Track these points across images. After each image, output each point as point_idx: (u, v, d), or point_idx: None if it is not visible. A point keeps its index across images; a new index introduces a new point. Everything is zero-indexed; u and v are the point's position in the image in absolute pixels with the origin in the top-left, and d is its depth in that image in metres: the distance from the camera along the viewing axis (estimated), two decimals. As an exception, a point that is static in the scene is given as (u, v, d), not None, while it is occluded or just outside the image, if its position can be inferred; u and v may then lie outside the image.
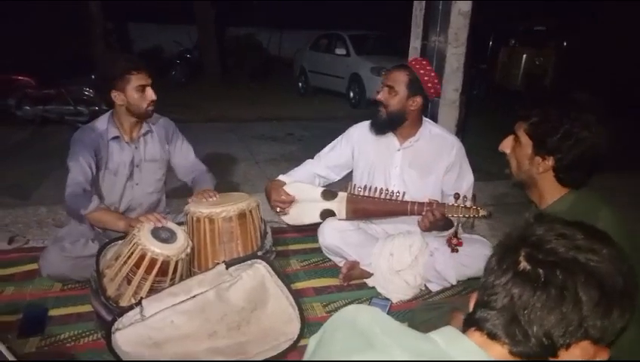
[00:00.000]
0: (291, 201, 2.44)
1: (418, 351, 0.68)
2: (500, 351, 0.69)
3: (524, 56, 10.53)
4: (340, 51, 9.72)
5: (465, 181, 2.45)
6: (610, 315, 0.66)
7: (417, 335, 0.71)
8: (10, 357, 1.17)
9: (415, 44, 3.77)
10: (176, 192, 2.88)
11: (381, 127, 2.40)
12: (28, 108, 6.26)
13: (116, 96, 2.25)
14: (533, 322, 0.67)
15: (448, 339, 0.70)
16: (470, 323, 0.73)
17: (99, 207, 2.18)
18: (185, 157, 2.56)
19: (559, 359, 0.68)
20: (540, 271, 0.67)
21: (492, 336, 0.70)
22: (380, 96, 2.35)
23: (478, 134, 5.28)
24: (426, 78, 2.32)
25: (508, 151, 1.43)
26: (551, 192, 1.37)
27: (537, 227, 0.73)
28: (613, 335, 0.69)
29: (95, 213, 2.17)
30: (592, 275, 0.66)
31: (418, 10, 3.73)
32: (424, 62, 2.40)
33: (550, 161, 1.32)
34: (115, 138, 2.33)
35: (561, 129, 1.27)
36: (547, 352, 0.68)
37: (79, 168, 2.21)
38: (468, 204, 2.09)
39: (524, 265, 0.69)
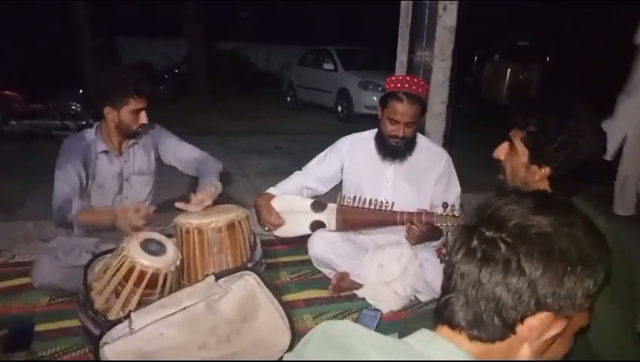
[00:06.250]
0: (280, 224, 2.44)
1: (393, 351, 0.67)
2: (462, 340, 0.69)
3: (509, 70, 10.71)
4: (328, 66, 9.81)
5: (452, 192, 2.47)
6: (562, 283, 0.64)
7: (393, 339, 0.71)
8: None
9: (402, 57, 3.84)
10: (165, 205, 2.87)
11: (402, 156, 2.40)
12: (14, 123, 6.21)
13: (109, 113, 2.24)
14: (482, 299, 0.66)
15: (422, 341, 0.69)
16: (437, 316, 0.73)
17: (82, 209, 2.12)
18: (178, 151, 2.52)
19: (519, 335, 0.67)
20: (484, 245, 0.66)
21: (452, 326, 0.69)
22: (400, 133, 2.31)
23: (466, 147, 5.35)
24: (425, 94, 2.36)
25: (502, 158, 1.42)
26: None
27: (495, 201, 0.72)
28: (578, 306, 0.66)
29: (80, 216, 2.09)
30: (536, 244, 0.64)
31: (404, 25, 3.80)
32: (420, 82, 2.37)
33: (547, 170, 1.32)
34: (104, 152, 2.32)
35: (559, 139, 1.27)
36: (504, 329, 0.67)
37: (67, 177, 2.17)
38: (456, 213, 2.11)
39: (474, 242, 0.68)
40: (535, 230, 0.65)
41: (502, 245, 0.65)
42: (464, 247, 0.69)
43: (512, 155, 1.38)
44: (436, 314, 0.73)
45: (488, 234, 0.67)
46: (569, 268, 0.64)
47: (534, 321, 0.66)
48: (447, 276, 0.72)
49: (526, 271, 0.64)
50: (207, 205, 2.19)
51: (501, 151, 1.42)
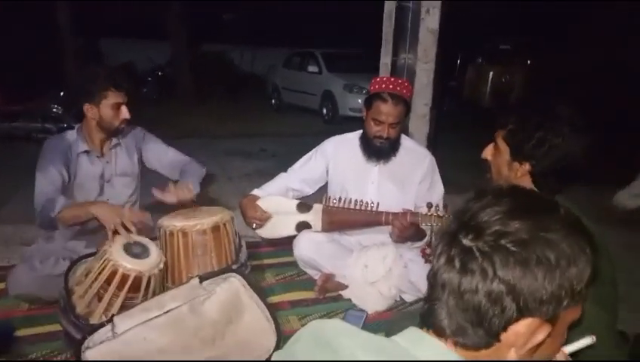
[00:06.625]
0: (267, 218, 2.44)
1: (381, 350, 0.67)
2: (448, 344, 0.68)
3: (491, 73, 10.84)
4: (313, 69, 9.83)
5: (435, 192, 2.49)
6: (543, 288, 0.63)
7: (381, 338, 0.71)
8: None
9: (385, 60, 3.85)
10: (149, 208, 2.84)
11: (387, 156, 2.43)
12: (-6, 125, 6.09)
13: (88, 110, 2.21)
14: (463, 309, 0.66)
15: (411, 339, 0.69)
16: (422, 322, 0.72)
17: (66, 205, 2.08)
18: (163, 156, 2.49)
19: (504, 342, 0.66)
20: (462, 255, 0.66)
21: (437, 333, 0.69)
22: (385, 134, 2.33)
23: (450, 149, 5.38)
24: (409, 95, 2.38)
25: (489, 157, 1.48)
26: None
27: (472, 205, 0.71)
28: (564, 306, 0.66)
29: (64, 212, 2.06)
30: (511, 253, 0.64)
31: (388, 28, 3.81)
32: (404, 83, 2.41)
33: (527, 166, 1.38)
34: (85, 152, 2.29)
35: (536, 136, 1.33)
36: (488, 338, 0.66)
37: (48, 178, 2.14)
38: (440, 212, 2.13)
39: (453, 251, 0.68)
40: (511, 237, 0.64)
41: (478, 254, 0.65)
42: (444, 255, 0.69)
43: (497, 155, 1.45)
44: (421, 319, 0.73)
45: (465, 242, 0.67)
46: (548, 273, 0.63)
47: (519, 327, 0.66)
48: (430, 284, 0.72)
49: (504, 280, 0.63)
50: (181, 199, 2.18)
51: (487, 152, 1.49)
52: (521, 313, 0.65)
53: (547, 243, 0.65)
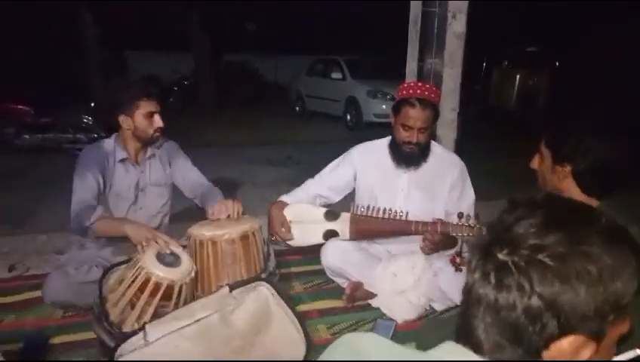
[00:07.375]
0: (288, 239, 2.45)
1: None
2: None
3: (518, 76, 10.66)
4: (336, 75, 9.86)
5: (466, 200, 2.45)
6: (585, 303, 0.61)
7: (415, 352, 0.69)
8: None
9: (412, 66, 3.82)
10: (178, 216, 2.87)
11: (416, 162, 2.41)
12: (26, 137, 6.26)
13: (124, 121, 2.28)
14: (500, 326, 0.64)
15: (447, 353, 0.68)
16: (458, 337, 0.70)
17: (102, 216, 2.14)
18: (188, 174, 2.54)
19: (545, 359, 0.64)
20: (497, 270, 0.64)
21: (475, 349, 0.67)
22: (414, 139, 2.31)
23: (475, 154, 5.30)
24: (437, 100, 2.36)
25: (536, 167, 1.55)
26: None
27: (506, 217, 0.69)
28: (610, 322, 0.63)
29: (99, 224, 2.12)
30: (549, 267, 0.61)
31: (413, 33, 3.79)
32: (433, 87, 2.40)
33: (567, 168, 1.43)
34: (123, 160, 2.35)
35: (573, 138, 1.40)
36: (527, 356, 0.64)
37: (86, 184, 2.20)
38: (472, 222, 2.09)
39: (488, 266, 0.66)
40: (548, 251, 0.62)
41: (514, 269, 0.63)
42: (479, 270, 0.67)
43: (541, 162, 1.53)
44: (457, 334, 0.71)
45: (500, 257, 0.64)
46: (590, 288, 0.61)
47: (563, 345, 0.63)
48: (465, 299, 0.70)
49: (542, 296, 0.61)
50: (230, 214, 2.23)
51: (534, 162, 1.56)
52: (564, 329, 0.62)
53: (587, 256, 0.62)
